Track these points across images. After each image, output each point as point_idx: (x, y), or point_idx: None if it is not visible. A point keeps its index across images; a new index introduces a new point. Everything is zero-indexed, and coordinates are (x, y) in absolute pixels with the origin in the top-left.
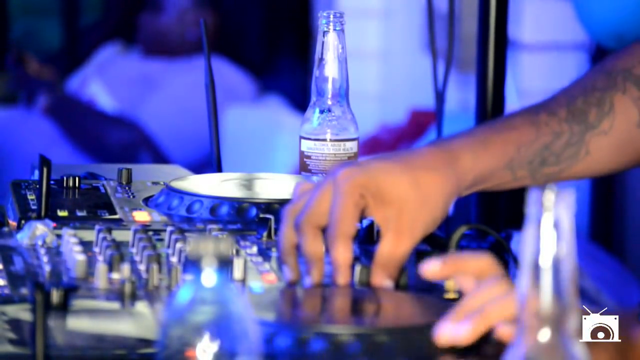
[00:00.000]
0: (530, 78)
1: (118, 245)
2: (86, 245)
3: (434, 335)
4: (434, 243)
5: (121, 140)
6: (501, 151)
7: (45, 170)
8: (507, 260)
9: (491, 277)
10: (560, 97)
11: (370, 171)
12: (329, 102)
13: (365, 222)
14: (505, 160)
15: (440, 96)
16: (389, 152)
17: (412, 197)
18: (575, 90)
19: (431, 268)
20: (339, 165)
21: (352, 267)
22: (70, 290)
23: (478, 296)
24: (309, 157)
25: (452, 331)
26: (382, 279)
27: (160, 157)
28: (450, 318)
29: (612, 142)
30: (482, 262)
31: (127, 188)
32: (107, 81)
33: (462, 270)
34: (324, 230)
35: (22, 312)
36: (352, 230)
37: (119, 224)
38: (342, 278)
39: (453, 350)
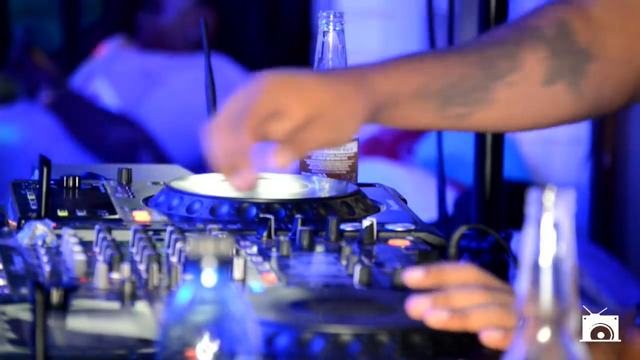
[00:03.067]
0: None
1: (118, 245)
2: (86, 245)
3: (408, 304)
4: (434, 243)
5: (122, 139)
6: (410, 76)
7: (45, 170)
8: (507, 260)
9: (482, 282)
10: (472, 44)
11: (295, 76)
12: None
13: (365, 223)
14: (414, 86)
15: None
16: (389, 152)
17: (331, 108)
18: (487, 40)
19: (414, 277)
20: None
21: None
22: (70, 290)
23: (466, 296)
24: (309, 157)
25: (426, 311)
26: (284, 156)
27: (160, 156)
28: (432, 298)
29: (517, 97)
30: (467, 273)
31: (127, 188)
32: (111, 77)
33: (446, 281)
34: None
35: (22, 312)
36: (253, 124)
37: (119, 224)
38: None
39: (453, 350)
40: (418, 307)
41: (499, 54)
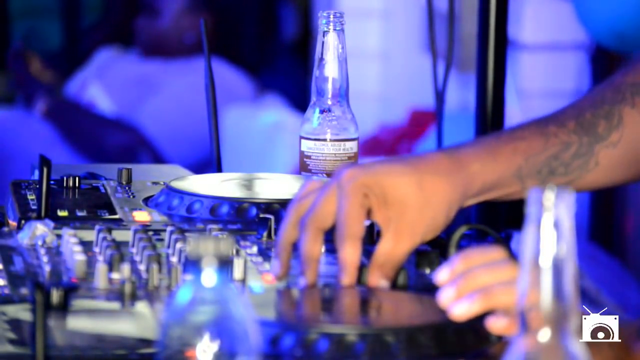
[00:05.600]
0: (530, 78)
1: (118, 245)
2: (86, 245)
3: (438, 297)
4: (434, 243)
5: (120, 143)
6: (509, 160)
7: (45, 170)
8: None
9: (504, 259)
10: (569, 110)
11: (374, 172)
12: (329, 102)
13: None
14: (513, 169)
15: (440, 96)
16: (388, 152)
17: (414, 200)
18: (583, 104)
19: (442, 279)
20: (343, 166)
21: (360, 269)
22: (70, 290)
23: (487, 272)
24: (309, 157)
25: (452, 302)
26: (377, 279)
27: (159, 159)
28: (456, 285)
29: (621, 155)
30: (494, 255)
31: (127, 188)
32: (106, 84)
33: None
34: (327, 233)
35: (22, 312)
36: (360, 230)
37: (119, 224)
38: (348, 278)
39: (457, 349)
40: (446, 301)
41: (596, 116)
